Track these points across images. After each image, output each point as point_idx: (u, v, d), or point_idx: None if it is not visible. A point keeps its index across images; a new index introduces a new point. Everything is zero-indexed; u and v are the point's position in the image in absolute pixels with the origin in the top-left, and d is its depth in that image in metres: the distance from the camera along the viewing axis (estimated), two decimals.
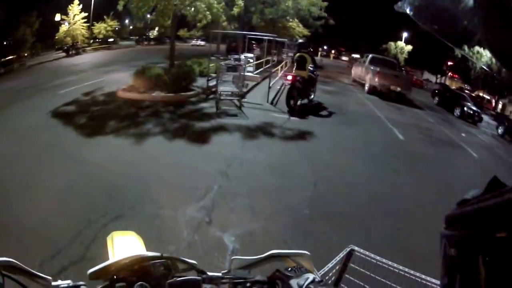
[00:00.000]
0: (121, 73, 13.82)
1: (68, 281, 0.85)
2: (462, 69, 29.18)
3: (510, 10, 0.42)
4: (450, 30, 0.54)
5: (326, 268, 1.92)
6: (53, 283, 0.84)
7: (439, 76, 39.81)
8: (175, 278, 0.89)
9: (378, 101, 15.42)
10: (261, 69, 16.68)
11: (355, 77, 21.28)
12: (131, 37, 33.67)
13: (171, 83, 10.00)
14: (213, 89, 10.28)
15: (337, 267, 2.03)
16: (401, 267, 1.93)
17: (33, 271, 0.83)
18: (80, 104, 9.53)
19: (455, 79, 35.02)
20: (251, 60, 16.16)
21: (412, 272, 1.92)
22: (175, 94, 9.97)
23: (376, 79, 16.68)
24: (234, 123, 8.40)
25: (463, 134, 12.93)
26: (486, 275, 0.42)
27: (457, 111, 17.82)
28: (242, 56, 14.64)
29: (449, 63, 36.43)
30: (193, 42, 36.99)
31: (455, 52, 29.35)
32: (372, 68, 17.53)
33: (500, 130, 16.23)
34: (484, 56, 26.12)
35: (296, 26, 25.69)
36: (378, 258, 1.85)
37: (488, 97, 28.64)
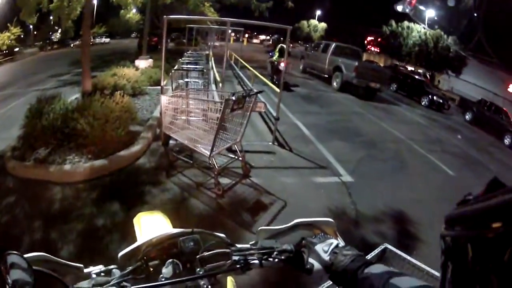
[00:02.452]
0: (16, 106, 8.94)
1: (100, 266, 0.86)
2: (391, 45, 28.97)
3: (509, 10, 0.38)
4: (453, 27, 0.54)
5: None
6: (85, 270, 0.86)
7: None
8: (204, 253, 0.87)
9: (360, 102, 12.78)
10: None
11: (306, 68, 17.96)
12: (36, 43, 29.04)
13: (94, 134, 4.66)
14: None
15: None
16: (432, 271, 1.87)
17: (64, 261, 0.85)
18: None
19: (377, 54, 35.65)
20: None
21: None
22: (106, 159, 4.64)
23: (354, 74, 13.32)
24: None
25: (459, 136, 11.38)
26: (485, 274, 0.43)
27: (425, 101, 16.74)
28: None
29: (369, 38, 38.84)
30: (97, 40, 33.14)
31: (383, 29, 29.08)
32: (345, 61, 14.12)
33: (467, 117, 15.89)
34: (414, 31, 26.57)
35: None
36: (409, 258, 1.82)
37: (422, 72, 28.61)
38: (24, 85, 12.71)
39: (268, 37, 40.65)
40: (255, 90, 4.46)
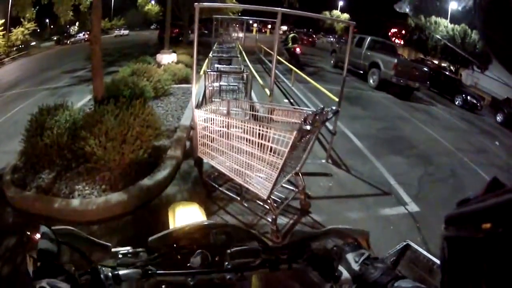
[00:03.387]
0: (24, 109, 8.01)
1: (128, 248, 0.86)
2: (416, 39, 28.58)
3: (508, 10, 0.46)
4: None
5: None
6: (113, 250, 0.84)
7: None
8: (235, 248, 0.86)
9: (399, 103, 11.83)
10: None
11: (338, 62, 16.85)
12: (53, 37, 29.33)
13: (108, 157, 3.56)
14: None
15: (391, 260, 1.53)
16: None
17: (92, 238, 0.82)
18: None
19: (401, 46, 34.33)
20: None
21: None
22: (125, 191, 3.47)
23: (393, 72, 12.00)
24: None
25: (496, 143, 10.35)
26: (485, 273, 0.43)
27: (459, 100, 15.68)
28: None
29: (393, 30, 38.44)
30: (116, 32, 33.84)
31: (408, 21, 27.89)
32: (383, 57, 12.85)
33: (499, 118, 14.94)
34: (441, 25, 25.38)
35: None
36: (430, 256, 1.42)
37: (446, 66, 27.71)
38: (35, 82, 11.91)
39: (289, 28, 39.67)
40: (321, 106, 3.27)
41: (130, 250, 0.84)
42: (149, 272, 0.80)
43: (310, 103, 8.48)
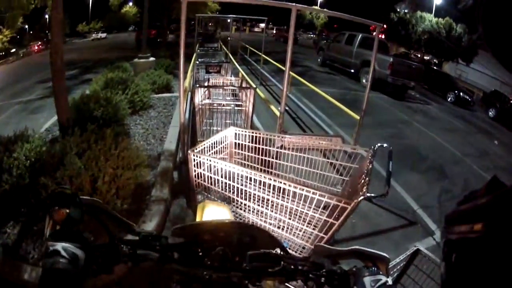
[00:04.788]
0: None
1: (151, 231, 0.85)
2: (399, 32, 27.84)
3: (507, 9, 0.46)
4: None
5: (390, 265, 1.24)
6: (137, 230, 0.84)
7: None
8: (256, 251, 0.83)
9: (396, 104, 11.46)
10: None
11: (326, 60, 16.25)
12: (31, 44, 28.52)
13: None
14: None
15: (401, 265, 1.99)
16: None
17: (118, 215, 0.83)
18: None
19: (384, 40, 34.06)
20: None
21: None
22: None
23: (388, 72, 11.41)
24: None
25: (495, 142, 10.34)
26: (484, 271, 0.43)
27: (451, 97, 15.51)
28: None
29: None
30: (94, 35, 33.73)
31: (391, 16, 27.74)
32: (380, 56, 12.23)
33: (491, 113, 14.94)
34: (426, 20, 25.33)
35: None
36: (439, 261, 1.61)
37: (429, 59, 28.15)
38: (7, 95, 10.88)
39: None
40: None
41: (154, 233, 0.82)
42: (167, 258, 0.80)
43: (308, 110, 7.83)
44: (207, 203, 1.40)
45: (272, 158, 2.79)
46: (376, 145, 2.43)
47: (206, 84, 5.00)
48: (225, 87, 4.36)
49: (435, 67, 18.27)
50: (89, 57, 17.14)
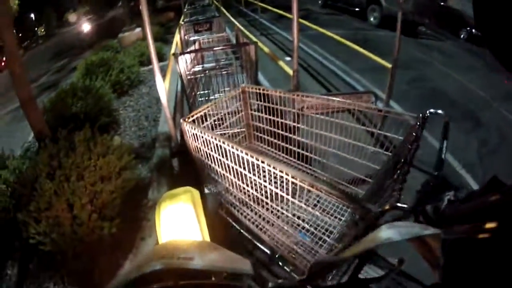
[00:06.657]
0: None
1: None
2: None
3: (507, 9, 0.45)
4: None
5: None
6: None
7: None
8: None
9: (409, 41, 10.84)
10: None
11: (328, 0, 14.93)
12: (21, 44, 25.21)
13: (58, 243, 2.10)
14: None
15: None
16: None
17: None
18: None
19: None
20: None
21: None
22: None
23: (397, 7, 10.31)
24: None
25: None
26: (484, 271, 0.42)
27: (464, 34, 13.37)
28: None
29: None
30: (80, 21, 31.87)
31: None
32: None
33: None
34: None
35: None
36: None
37: None
38: None
39: None
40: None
41: None
42: None
43: (319, 56, 7.52)
44: (165, 199, 1.11)
45: (293, 122, 2.09)
46: (427, 112, 1.53)
47: (192, 47, 4.18)
48: (215, 49, 3.48)
49: (442, 3, 16.53)
50: (78, 44, 16.15)
